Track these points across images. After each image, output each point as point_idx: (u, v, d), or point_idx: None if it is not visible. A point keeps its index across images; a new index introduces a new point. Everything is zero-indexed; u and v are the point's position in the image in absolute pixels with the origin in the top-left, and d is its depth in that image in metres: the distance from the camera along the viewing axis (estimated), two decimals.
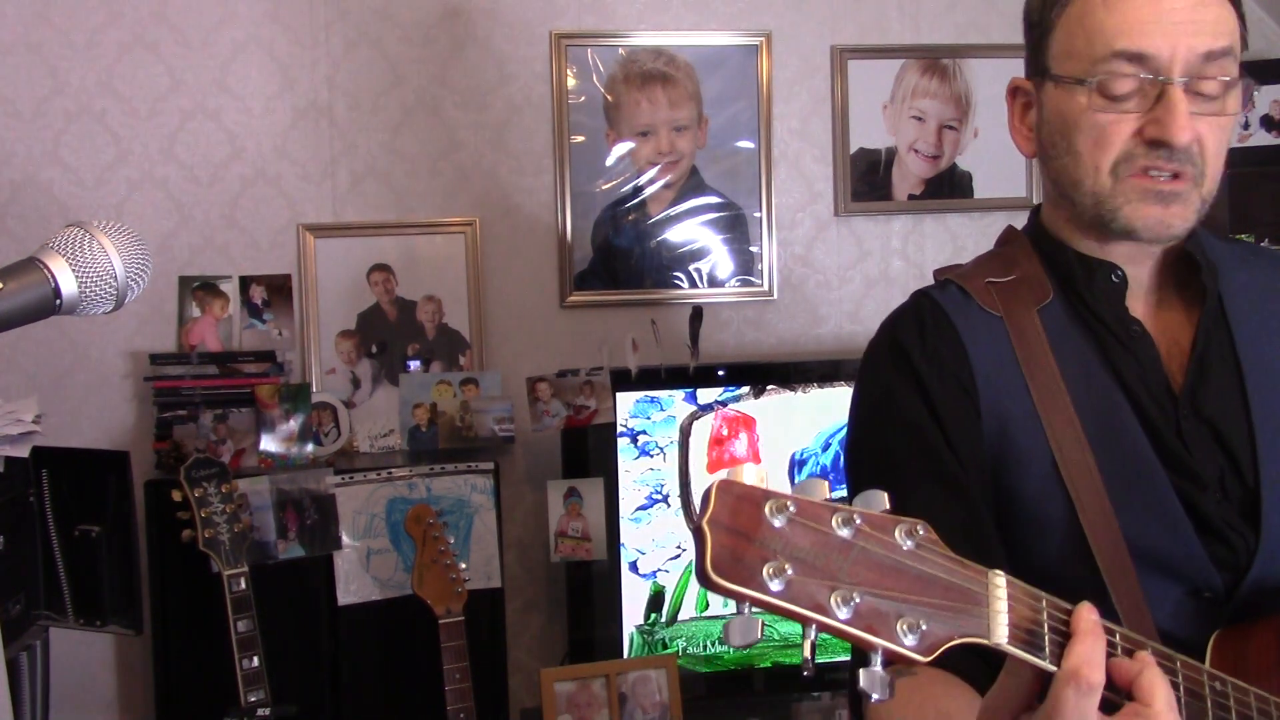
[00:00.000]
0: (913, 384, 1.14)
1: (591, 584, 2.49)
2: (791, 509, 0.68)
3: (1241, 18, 1.11)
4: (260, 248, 2.63)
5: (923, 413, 1.12)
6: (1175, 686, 0.83)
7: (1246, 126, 2.85)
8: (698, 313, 2.53)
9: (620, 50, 2.71)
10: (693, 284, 2.76)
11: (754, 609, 0.68)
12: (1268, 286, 1.17)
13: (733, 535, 0.67)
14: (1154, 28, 1.05)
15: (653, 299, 2.74)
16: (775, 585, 0.67)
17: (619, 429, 2.47)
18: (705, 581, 0.66)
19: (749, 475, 0.69)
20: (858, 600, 0.69)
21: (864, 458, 1.19)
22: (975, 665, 1.00)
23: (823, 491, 0.71)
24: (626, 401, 2.47)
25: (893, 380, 1.15)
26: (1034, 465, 1.08)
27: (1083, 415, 1.08)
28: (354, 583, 2.43)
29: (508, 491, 2.63)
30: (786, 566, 0.67)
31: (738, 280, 2.78)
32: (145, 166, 2.58)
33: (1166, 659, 0.84)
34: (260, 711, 2.13)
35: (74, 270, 0.88)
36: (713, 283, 2.77)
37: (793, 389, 2.50)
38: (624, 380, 2.47)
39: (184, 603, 2.36)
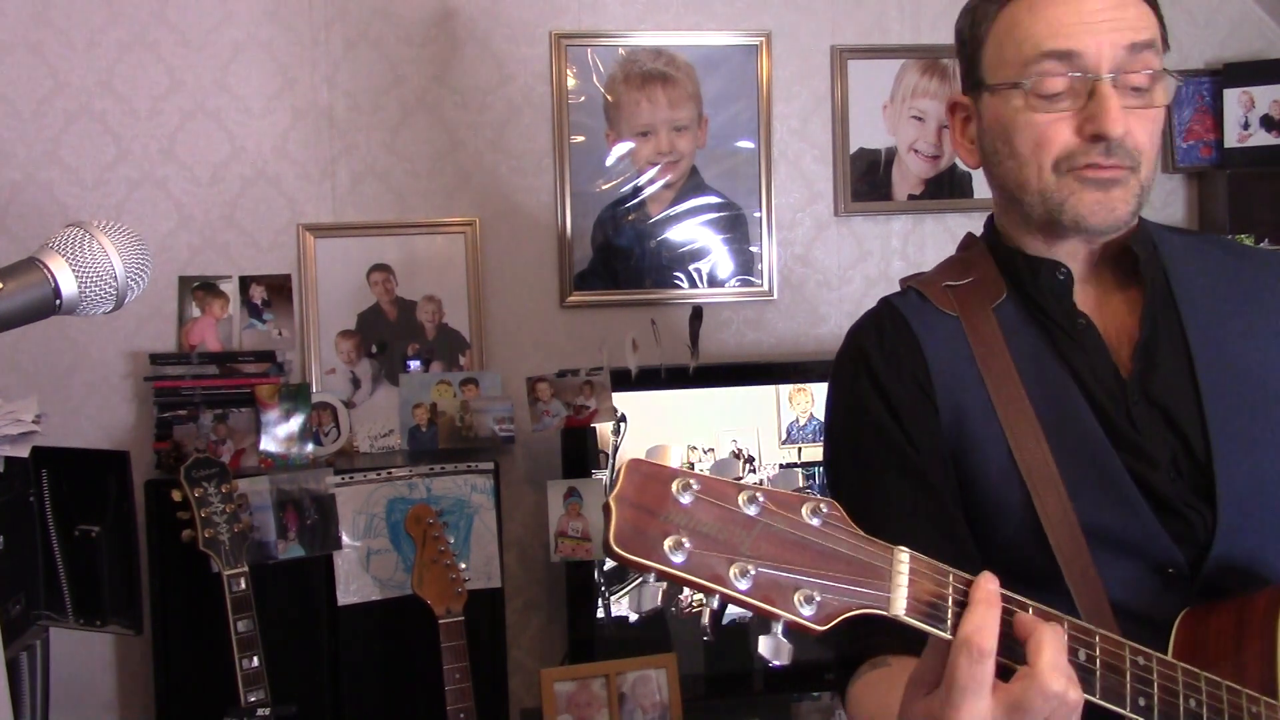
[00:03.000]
0: (874, 386, 1.20)
1: (591, 584, 2.50)
2: (697, 487, 0.73)
3: (1160, 22, 1.17)
4: (260, 248, 2.63)
5: (884, 412, 1.19)
6: (1091, 660, 0.86)
7: (1246, 126, 2.85)
8: (698, 313, 2.53)
9: (620, 50, 2.71)
10: (693, 284, 2.76)
11: (657, 579, 0.73)
12: (1220, 272, 1.22)
13: (637, 510, 0.72)
14: (1079, 28, 1.11)
15: (653, 299, 2.74)
16: (676, 558, 0.72)
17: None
18: (608, 552, 0.72)
19: (668, 456, 0.74)
20: (755, 572, 0.73)
21: (839, 461, 1.26)
22: None
23: (735, 473, 0.75)
24: (627, 401, 2.47)
25: (856, 384, 1.22)
26: (991, 455, 1.13)
27: (1037, 405, 1.13)
28: (354, 583, 2.43)
29: (508, 491, 2.63)
30: (685, 540, 0.72)
31: (738, 280, 2.78)
32: (145, 166, 2.58)
33: (1083, 633, 0.87)
34: (260, 711, 2.13)
35: (74, 270, 0.88)
36: (713, 283, 2.77)
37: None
38: (624, 380, 2.47)
39: (184, 603, 2.36)
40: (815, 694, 2.53)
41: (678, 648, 2.47)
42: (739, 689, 2.54)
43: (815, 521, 0.76)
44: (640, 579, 0.76)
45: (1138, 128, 1.12)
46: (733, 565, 0.73)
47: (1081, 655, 0.86)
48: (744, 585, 0.73)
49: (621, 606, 2.49)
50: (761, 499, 0.75)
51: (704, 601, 0.76)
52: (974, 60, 1.20)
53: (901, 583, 0.78)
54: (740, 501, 0.74)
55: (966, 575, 0.81)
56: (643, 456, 0.74)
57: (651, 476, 0.73)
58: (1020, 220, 1.20)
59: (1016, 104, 1.14)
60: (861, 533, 0.78)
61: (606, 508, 0.72)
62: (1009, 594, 0.82)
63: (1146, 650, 0.91)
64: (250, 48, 2.60)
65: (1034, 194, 1.15)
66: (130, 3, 2.55)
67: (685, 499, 0.73)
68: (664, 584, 0.71)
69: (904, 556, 0.79)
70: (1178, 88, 1.16)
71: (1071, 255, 1.19)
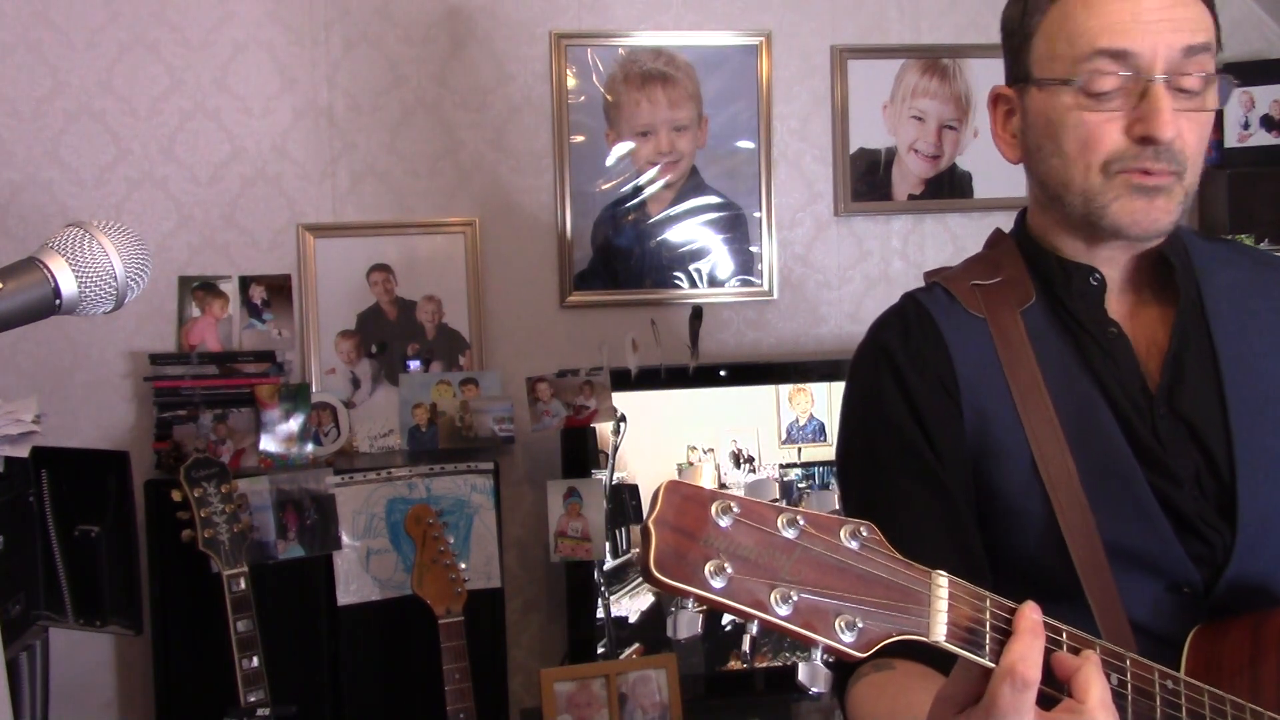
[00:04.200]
0: (896, 384, 1.17)
1: (591, 584, 2.50)
2: (736, 510, 0.72)
3: (1215, 21, 1.13)
4: (260, 248, 2.63)
5: (904, 412, 1.16)
6: (1123, 685, 0.86)
7: (1246, 126, 2.85)
8: (698, 313, 2.53)
9: (620, 50, 2.71)
10: (693, 284, 2.76)
11: (697, 605, 0.71)
12: (1250, 285, 1.19)
13: (677, 534, 0.70)
14: (1134, 26, 1.07)
15: (653, 299, 2.74)
16: (717, 583, 0.70)
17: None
18: (648, 578, 0.70)
19: (701, 477, 0.72)
20: (796, 598, 0.72)
21: (851, 457, 1.23)
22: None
23: (770, 494, 0.74)
24: (627, 401, 2.47)
25: (877, 381, 1.19)
26: (1014, 463, 1.11)
27: (1062, 415, 1.11)
28: (354, 583, 2.43)
29: (508, 491, 2.63)
30: (727, 565, 0.70)
31: (738, 280, 2.78)
32: (145, 166, 2.58)
33: (1115, 657, 0.86)
34: (260, 711, 2.13)
35: (74, 270, 0.88)
36: (713, 283, 2.77)
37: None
38: (624, 380, 2.47)
39: (184, 603, 2.36)
40: (815, 694, 2.53)
41: (677, 648, 2.47)
42: (739, 689, 2.54)
43: (854, 545, 0.75)
44: (681, 602, 0.73)
45: (1188, 130, 1.09)
46: (774, 590, 0.71)
47: (1114, 680, 0.85)
48: (785, 611, 0.71)
49: (621, 607, 2.49)
50: (801, 522, 0.73)
51: (745, 627, 0.75)
52: (1021, 52, 1.17)
53: (941, 608, 0.77)
54: (780, 524, 0.73)
55: (1005, 601, 0.81)
56: (677, 477, 0.72)
57: (690, 498, 0.71)
58: (1060, 220, 1.17)
59: (1066, 101, 1.10)
60: (899, 556, 0.77)
61: (645, 531, 0.70)
62: (1049, 620, 0.82)
63: (1174, 674, 0.90)
64: (250, 48, 2.60)
65: (1077, 194, 1.12)
66: (130, 3, 2.55)
67: (724, 522, 0.71)
68: (704, 609, 0.70)
69: (943, 581, 0.78)
70: (1231, 90, 1.12)
71: (1109, 261, 1.16)
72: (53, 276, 0.87)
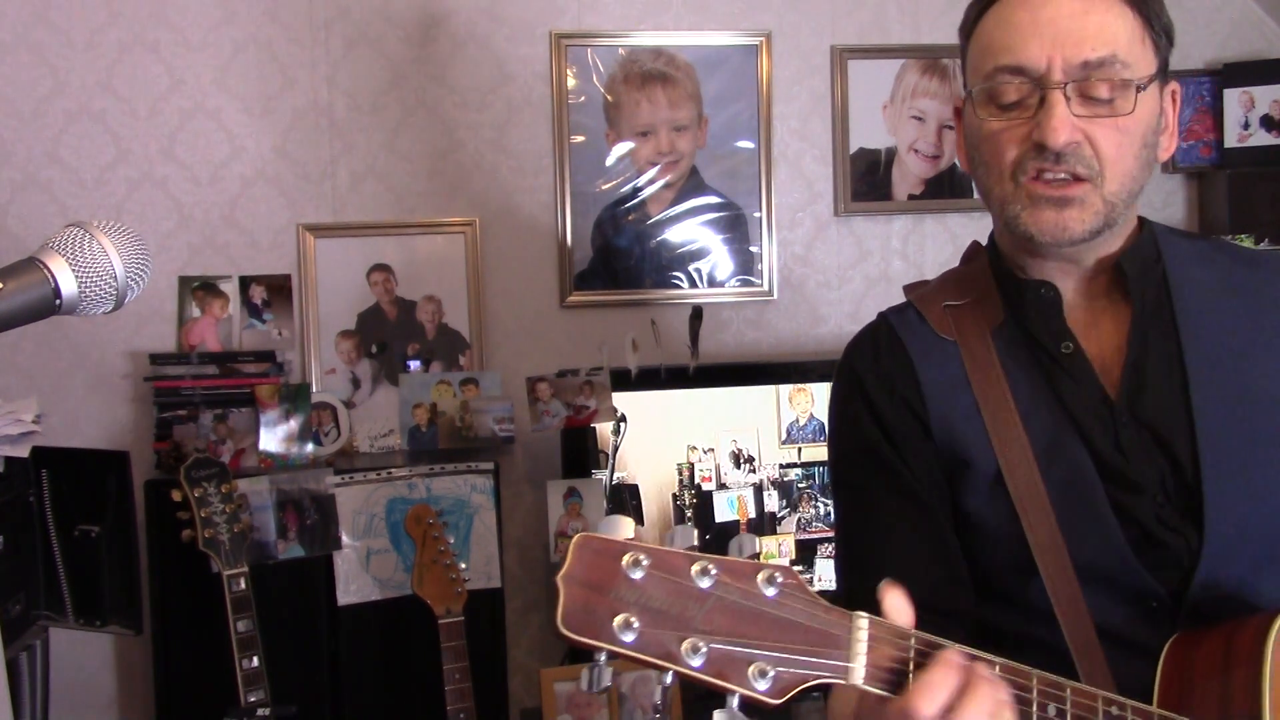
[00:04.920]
0: (866, 407, 1.20)
1: None
2: (646, 561, 0.73)
3: (1149, 22, 1.11)
4: (260, 248, 2.63)
5: (876, 433, 1.18)
6: (1062, 714, 0.86)
7: (1246, 127, 2.85)
8: (698, 313, 2.53)
9: (620, 50, 2.71)
10: (693, 284, 2.76)
11: (609, 659, 0.73)
12: (1224, 284, 1.17)
13: (586, 589, 0.71)
14: (1032, 41, 1.09)
15: (653, 299, 2.74)
16: (626, 636, 0.71)
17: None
18: (556, 634, 0.71)
19: (619, 529, 0.73)
20: (707, 649, 0.73)
21: (839, 478, 1.26)
22: None
23: (691, 541, 0.75)
24: (627, 401, 2.47)
25: (851, 404, 1.22)
26: (984, 484, 1.12)
27: (1031, 435, 1.11)
28: (354, 583, 2.43)
29: (508, 491, 2.63)
30: (634, 619, 0.71)
31: (738, 280, 2.78)
32: (145, 166, 2.58)
33: (1054, 687, 0.87)
34: (260, 711, 2.13)
35: (74, 270, 0.88)
36: (713, 283, 2.77)
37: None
38: (624, 380, 2.47)
39: (184, 603, 2.36)
40: (815, 695, 2.53)
41: None
42: None
43: (770, 592, 0.75)
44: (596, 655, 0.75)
45: (1100, 136, 1.08)
46: (684, 641, 0.72)
47: (1052, 710, 0.85)
48: (696, 662, 0.72)
49: None
50: (714, 571, 0.74)
51: (658, 678, 0.78)
52: (963, 66, 1.20)
53: (860, 650, 0.78)
54: (693, 574, 0.74)
55: (932, 638, 0.81)
56: (595, 532, 0.74)
57: (601, 552, 0.72)
58: (1004, 232, 1.18)
59: (981, 113, 1.13)
60: (820, 599, 0.77)
61: (554, 588, 0.71)
62: (981, 655, 0.82)
63: (1120, 699, 0.90)
64: (250, 48, 2.60)
65: (997, 203, 1.13)
66: (130, 3, 2.55)
67: (636, 574, 0.72)
68: (616, 661, 0.71)
69: (863, 623, 0.78)
70: (1139, 91, 1.09)
71: (1062, 272, 1.16)
72: (53, 276, 0.87)
